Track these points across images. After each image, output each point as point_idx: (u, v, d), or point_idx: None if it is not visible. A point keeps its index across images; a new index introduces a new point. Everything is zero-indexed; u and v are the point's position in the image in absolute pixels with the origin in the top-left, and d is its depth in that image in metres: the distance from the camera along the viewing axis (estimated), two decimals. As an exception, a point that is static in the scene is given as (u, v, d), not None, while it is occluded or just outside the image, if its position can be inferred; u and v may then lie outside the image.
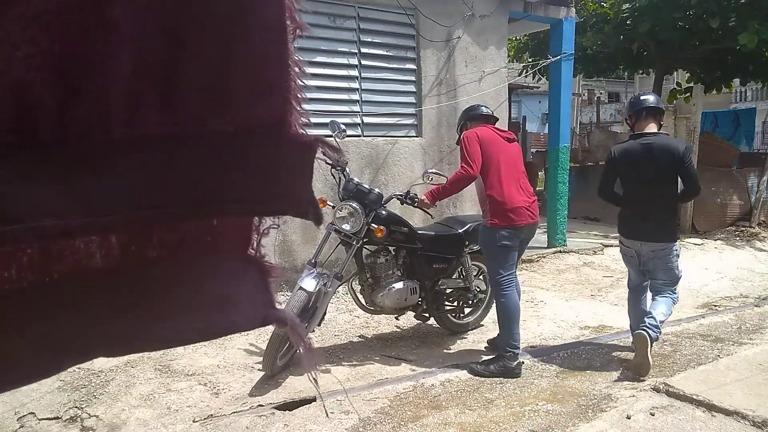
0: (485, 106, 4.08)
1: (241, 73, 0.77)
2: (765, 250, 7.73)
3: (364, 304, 3.96)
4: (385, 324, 4.62)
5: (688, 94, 13.35)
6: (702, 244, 7.84)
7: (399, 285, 3.86)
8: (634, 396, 3.16)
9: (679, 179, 3.67)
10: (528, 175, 3.96)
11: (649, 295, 3.91)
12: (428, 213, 4.04)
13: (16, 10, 0.62)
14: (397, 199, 3.90)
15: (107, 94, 0.68)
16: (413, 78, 6.04)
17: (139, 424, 2.94)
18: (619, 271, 6.35)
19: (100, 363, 3.66)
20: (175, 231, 0.78)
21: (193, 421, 2.95)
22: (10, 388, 0.72)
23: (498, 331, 3.82)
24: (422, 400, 3.20)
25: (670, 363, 3.74)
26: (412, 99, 6.06)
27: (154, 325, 0.77)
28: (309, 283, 3.46)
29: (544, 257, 6.93)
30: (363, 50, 5.64)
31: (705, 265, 6.79)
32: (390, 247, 3.96)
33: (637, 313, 3.89)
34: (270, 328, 3.28)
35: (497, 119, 4.05)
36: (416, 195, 3.85)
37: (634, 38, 10.52)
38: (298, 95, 0.83)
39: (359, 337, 4.31)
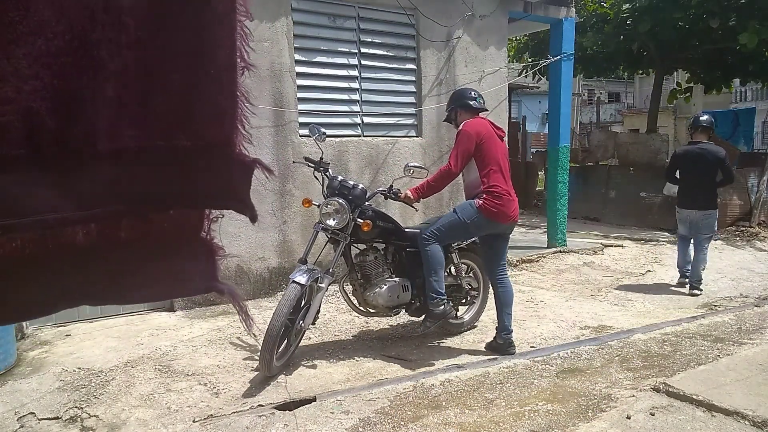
0: (475, 91, 4.04)
1: (199, 100, 1.01)
2: (765, 250, 7.73)
3: (357, 305, 3.94)
4: (385, 324, 4.62)
5: (688, 94, 13.37)
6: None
7: (390, 283, 3.85)
8: (634, 396, 3.16)
9: (719, 171, 5.59)
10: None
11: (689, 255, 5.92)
12: (413, 207, 4.08)
13: (23, 50, 0.81)
14: (381, 194, 3.93)
15: (96, 117, 0.89)
16: (413, 78, 6.04)
17: (139, 424, 2.94)
18: (619, 271, 6.36)
19: (100, 363, 3.67)
20: (143, 219, 1.02)
21: (193, 421, 2.95)
22: (16, 320, 1.27)
23: (494, 333, 3.97)
24: (422, 400, 3.20)
25: (670, 363, 3.74)
26: (412, 99, 6.06)
27: (124, 286, 1.05)
28: (301, 277, 3.46)
29: (544, 257, 6.93)
30: (363, 50, 5.64)
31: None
32: (379, 246, 3.95)
33: (685, 256, 5.99)
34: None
35: (487, 110, 4.09)
36: (399, 190, 3.87)
37: (634, 38, 10.52)
38: (244, 120, 1.06)
39: (359, 337, 4.31)
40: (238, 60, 1.03)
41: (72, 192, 0.89)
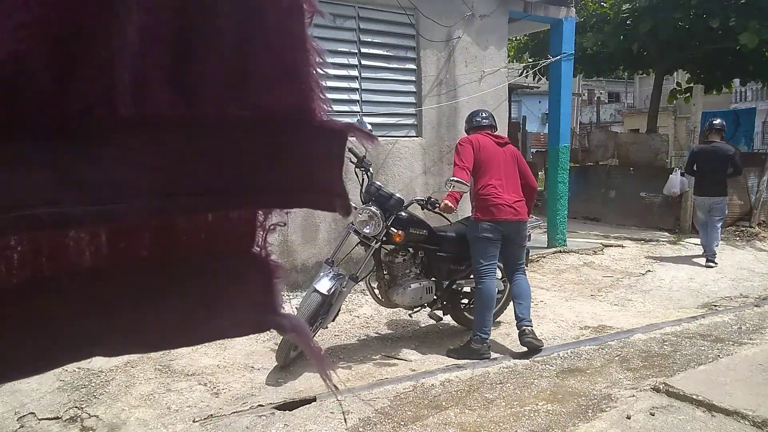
0: (484, 112, 4.27)
1: (258, 55, 0.72)
2: (765, 250, 7.72)
3: (380, 299, 4.08)
4: (385, 324, 4.62)
5: (688, 94, 13.37)
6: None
7: (415, 284, 3.97)
8: (634, 396, 3.16)
9: (729, 165, 6.71)
10: None
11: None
12: (446, 218, 4.28)
13: None
14: (418, 204, 4.06)
15: (111, 68, 0.61)
16: (413, 78, 6.04)
17: (139, 424, 2.94)
18: (619, 271, 6.36)
19: (100, 363, 3.67)
20: (170, 228, 0.72)
21: (193, 421, 2.95)
22: (2, 382, 0.68)
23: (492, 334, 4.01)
24: (422, 400, 3.20)
25: (670, 363, 3.74)
26: (412, 99, 6.06)
27: (144, 328, 0.73)
28: (323, 285, 3.59)
29: (544, 257, 6.93)
30: (363, 50, 5.64)
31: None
32: (408, 247, 4.07)
33: (708, 238, 6.83)
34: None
35: (492, 126, 4.22)
36: (437, 201, 3.99)
37: (634, 38, 10.51)
38: (320, 81, 0.77)
39: (359, 337, 4.31)
40: (304, 3, 0.76)
41: (77, 177, 0.60)
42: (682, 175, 8.09)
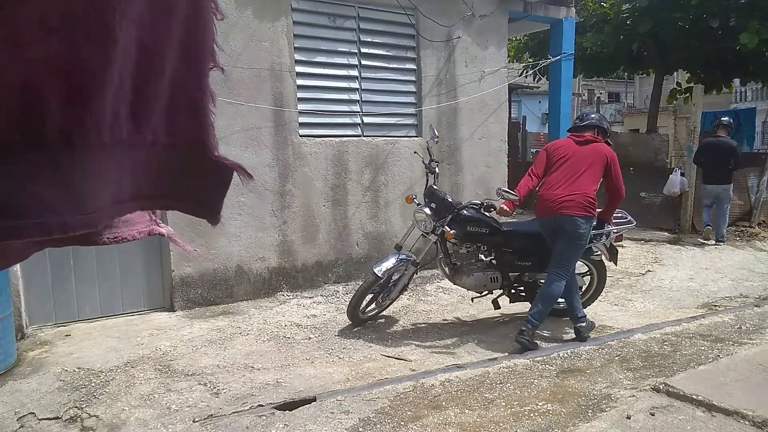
0: (585, 115, 4.39)
1: (181, 94, 0.94)
2: (765, 250, 7.72)
3: (451, 279, 4.54)
4: (385, 324, 4.62)
5: (688, 94, 13.37)
6: (702, 244, 7.84)
7: (478, 273, 4.41)
8: (634, 396, 3.16)
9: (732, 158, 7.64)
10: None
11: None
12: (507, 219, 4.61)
13: (24, 11, 0.65)
14: (472, 208, 4.42)
15: (103, 99, 0.75)
16: (413, 78, 6.04)
17: (139, 424, 2.94)
18: (619, 271, 6.35)
19: (100, 363, 3.67)
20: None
21: (193, 421, 2.95)
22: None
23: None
24: (422, 400, 3.20)
25: (670, 363, 3.74)
26: (412, 99, 6.06)
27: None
28: (380, 268, 4.27)
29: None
30: (363, 50, 5.64)
31: (705, 265, 6.79)
32: (470, 241, 4.42)
33: (708, 215, 7.93)
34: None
35: (584, 127, 4.24)
36: (493, 205, 4.36)
37: (634, 38, 10.52)
38: (213, 121, 1.01)
39: (359, 337, 4.31)
40: (212, 58, 0.99)
41: (74, 190, 0.75)
42: (682, 174, 8.13)
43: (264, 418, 2.97)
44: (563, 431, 2.82)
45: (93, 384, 3.37)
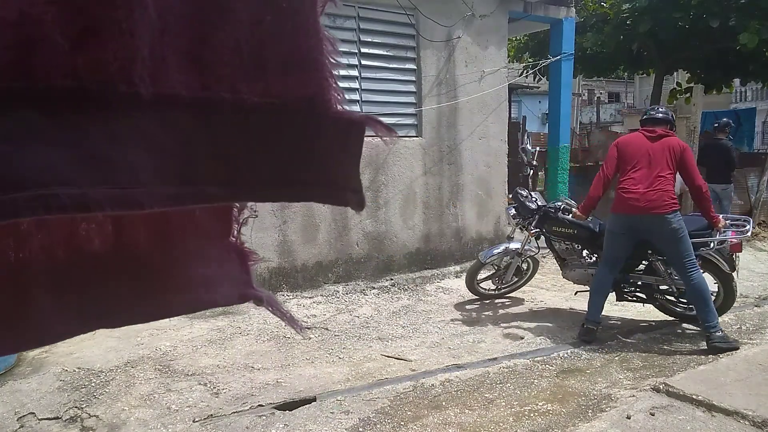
0: (652, 110, 4.33)
1: (273, 40, 0.70)
2: (765, 250, 7.72)
3: (561, 271, 4.94)
4: (385, 324, 4.62)
5: (688, 94, 13.35)
6: (702, 244, 7.84)
7: (580, 270, 4.70)
8: (634, 396, 3.16)
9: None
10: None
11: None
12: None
13: None
14: (549, 210, 4.81)
15: (132, 39, 0.57)
16: (413, 78, 6.04)
17: (139, 424, 2.94)
18: (619, 271, 6.35)
19: (101, 363, 3.67)
20: (164, 221, 0.77)
21: (193, 421, 2.95)
22: (15, 351, 0.82)
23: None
24: (422, 400, 3.20)
25: (670, 363, 3.74)
26: (412, 99, 6.06)
27: (147, 301, 0.79)
28: (484, 254, 5.07)
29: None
30: (363, 50, 5.64)
31: (705, 265, 6.79)
32: (563, 239, 4.77)
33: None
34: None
35: (651, 121, 4.18)
36: (569, 209, 4.70)
37: (634, 38, 10.50)
38: (333, 71, 0.76)
39: (359, 337, 4.31)
40: None
41: (95, 155, 0.55)
42: None
43: (264, 418, 2.97)
44: (563, 431, 2.82)
45: (93, 384, 3.37)
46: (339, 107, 0.75)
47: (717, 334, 3.86)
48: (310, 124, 0.73)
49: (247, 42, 0.68)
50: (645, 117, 4.28)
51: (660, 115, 4.21)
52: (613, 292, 4.50)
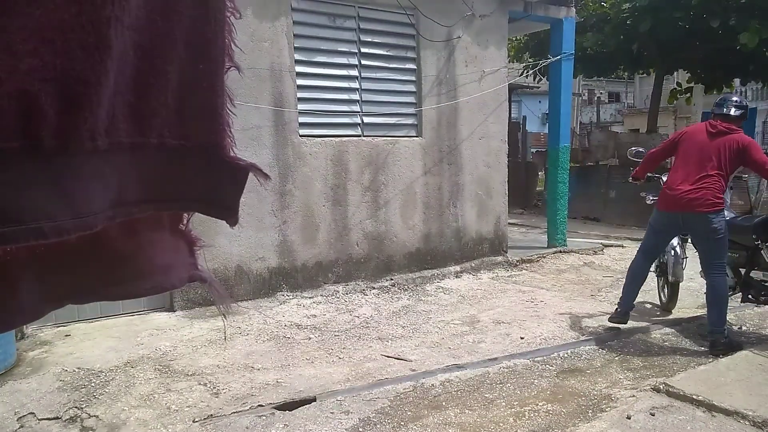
0: (723, 101, 4.14)
1: (190, 96, 0.93)
2: (765, 250, 7.72)
3: None
4: (385, 324, 4.62)
5: (688, 94, 13.37)
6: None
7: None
8: (634, 396, 3.16)
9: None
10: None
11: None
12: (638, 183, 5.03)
13: (18, 21, 0.67)
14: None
15: (98, 105, 0.77)
16: (413, 78, 6.04)
17: (139, 424, 2.94)
18: (619, 271, 6.35)
19: (100, 363, 3.67)
20: (128, 218, 0.94)
21: (193, 421, 2.95)
22: (9, 329, 0.98)
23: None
24: (422, 400, 3.20)
25: (670, 363, 3.74)
26: (412, 99, 6.06)
27: (109, 283, 0.99)
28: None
29: (544, 257, 6.93)
30: (363, 50, 5.64)
31: (705, 265, 6.79)
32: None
33: None
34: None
35: (721, 115, 4.08)
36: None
37: (634, 38, 10.51)
38: (229, 123, 1.00)
39: (359, 337, 4.31)
40: (227, 58, 0.99)
41: (69, 194, 0.77)
42: None
43: (264, 418, 2.97)
44: (563, 431, 2.82)
45: (93, 384, 3.37)
46: (232, 152, 1.01)
47: (722, 340, 3.88)
48: (211, 162, 0.99)
49: (172, 97, 0.90)
50: (716, 110, 4.11)
51: (732, 110, 4.05)
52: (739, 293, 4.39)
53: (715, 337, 3.90)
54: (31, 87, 0.69)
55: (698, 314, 4.92)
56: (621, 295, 4.34)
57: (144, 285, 1.03)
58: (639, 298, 4.53)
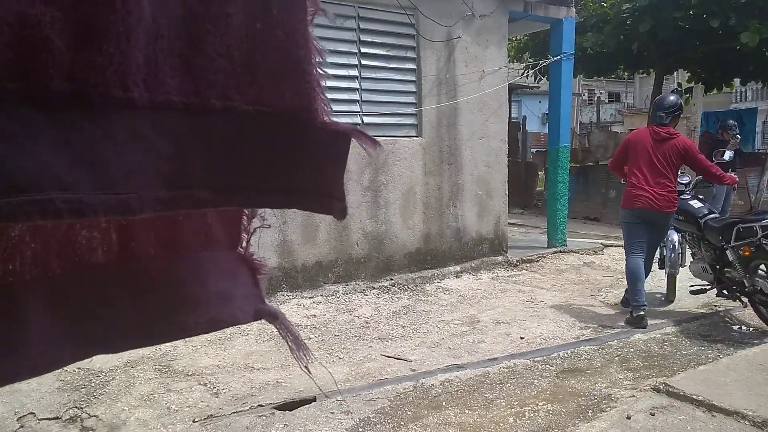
0: (658, 106, 4.79)
1: (264, 50, 0.71)
2: (765, 250, 7.72)
3: None
4: (385, 324, 4.62)
5: (688, 94, 13.37)
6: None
7: (693, 263, 4.91)
8: (634, 396, 3.16)
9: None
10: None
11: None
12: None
13: None
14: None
15: (128, 43, 0.58)
16: (413, 78, 6.04)
17: (139, 424, 2.94)
18: (619, 271, 6.34)
19: (100, 363, 3.66)
20: (172, 228, 0.75)
21: (193, 421, 2.95)
22: (11, 382, 0.67)
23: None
24: (422, 400, 3.20)
25: (670, 363, 3.74)
26: (412, 99, 6.06)
27: (158, 321, 0.74)
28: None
29: (544, 257, 6.93)
30: (363, 50, 5.64)
31: (705, 265, 6.79)
32: (679, 228, 4.93)
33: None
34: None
35: (658, 117, 4.74)
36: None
37: (634, 38, 10.51)
38: (321, 81, 0.78)
39: (359, 337, 4.31)
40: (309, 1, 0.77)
41: (91, 158, 0.55)
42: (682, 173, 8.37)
43: (264, 418, 2.97)
44: (563, 431, 2.82)
45: (93, 384, 3.37)
46: (326, 117, 0.77)
47: (640, 313, 4.46)
48: (298, 133, 0.74)
49: (238, 50, 0.68)
50: (654, 118, 4.78)
51: (665, 119, 4.67)
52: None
53: (634, 309, 4.52)
54: (32, 9, 0.52)
55: (698, 314, 4.93)
56: (632, 298, 4.58)
57: (196, 318, 0.79)
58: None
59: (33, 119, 0.53)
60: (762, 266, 4.30)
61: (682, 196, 4.82)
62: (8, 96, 0.52)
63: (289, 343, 0.86)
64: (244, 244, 0.87)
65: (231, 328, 3.50)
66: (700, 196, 5.07)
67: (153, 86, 0.61)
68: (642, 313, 4.43)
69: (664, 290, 5.38)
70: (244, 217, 0.86)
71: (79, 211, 0.53)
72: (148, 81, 0.61)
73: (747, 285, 4.31)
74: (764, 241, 4.12)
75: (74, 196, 0.53)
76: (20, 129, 0.52)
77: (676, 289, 5.26)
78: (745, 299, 4.41)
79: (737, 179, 5.22)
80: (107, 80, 0.57)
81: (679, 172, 4.75)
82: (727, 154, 8.12)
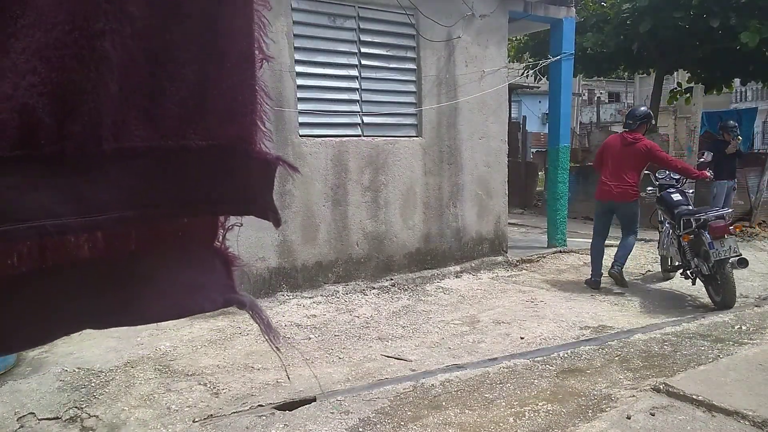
0: (630, 114, 5.86)
1: (214, 95, 0.91)
2: (765, 250, 7.72)
3: None
4: (385, 324, 4.62)
5: (688, 94, 13.37)
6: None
7: (671, 246, 5.69)
8: (634, 396, 3.16)
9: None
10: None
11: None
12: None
13: (21, 43, 0.74)
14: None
15: (98, 113, 0.81)
16: (413, 78, 6.04)
17: (139, 424, 2.94)
18: (619, 271, 6.35)
19: (100, 363, 3.67)
20: (152, 228, 0.93)
21: (193, 421, 2.95)
22: (8, 353, 0.98)
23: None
24: (422, 400, 3.20)
25: (670, 363, 3.74)
26: (412, 99, 6.06)
27: (134, 306, 0.93)
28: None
29: (544, 257, 6.93)
30: (363, 50, 5.64)
31: (705, 265, 6.79)
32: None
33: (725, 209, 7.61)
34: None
35: (628, 124, 5.76)
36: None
37: (634, 38, 10.51)
38: (263, 117, 0.97)
39: (359, 337, 4.31)
40: (257, 51, 0.94)
41: (74, 196, 0.79)
42: None
43: (264, 418, 2.97)
44: (563, 431, 2.82)
45: (93, 384, 3.37)
46: (262, 147, 0.98)
47: (597, 279, 5.76)
48: (239, 160, 0.96)
49: (192, 98, 0.89)
50: (627, 121, 5.80)
51: (631, 126, 5.68)
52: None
53: (614, 269, 5.67)
54: (31, 100, 0.76)
55: (698, 314, 4.93)
56: (591, 268, 5.84)
57: (167, 307, 0.96)
58: (643, 288, 4.53)
59: (33, 174, 0.77)
60: (703, 250, 5.09)
61: (667, 190, 5.65)
62: (16, 160, 0.75)
63: (261, 326, 1.01)
64: (220, 239, 1.04)
65: (231, 328, 3.52)
66: (690, 191, 5.84)
67: (120, 137, 0.83)
68: (598, 279, 5.75)
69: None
70: (221, 217, 1.04)
71: (64, 232, 0.78)
72: (117, 134, 0.82)
73: (692, 266, 5.24)
74: (699, 231, 5.08)
75: (61, 221, 0.77)
76: (24, 182, 0.76)
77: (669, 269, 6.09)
78: (693, 277, 5.31)
79: (709, 175, 5.73)
80: (84, 140, 0.80)
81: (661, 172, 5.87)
82: (707, 155, 8.34)
